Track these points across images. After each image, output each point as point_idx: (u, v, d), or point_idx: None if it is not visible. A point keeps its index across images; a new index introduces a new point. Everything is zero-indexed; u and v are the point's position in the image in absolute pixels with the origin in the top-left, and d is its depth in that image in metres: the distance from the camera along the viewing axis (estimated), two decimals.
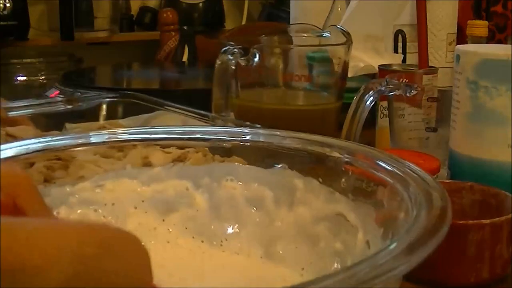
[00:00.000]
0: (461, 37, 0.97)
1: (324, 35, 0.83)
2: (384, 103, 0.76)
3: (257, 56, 0.75)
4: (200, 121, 0.69)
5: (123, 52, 2.20)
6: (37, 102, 0.76)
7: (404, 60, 0.94)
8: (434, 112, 0.66)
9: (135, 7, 2.33)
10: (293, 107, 0.82)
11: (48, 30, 2.13)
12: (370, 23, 0.96)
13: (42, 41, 2.07)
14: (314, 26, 0.86)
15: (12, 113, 0.68)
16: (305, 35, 0.87)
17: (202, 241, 0.45)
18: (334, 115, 0.80)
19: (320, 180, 0.44)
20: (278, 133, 0.47)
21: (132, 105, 0.78)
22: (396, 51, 0.96)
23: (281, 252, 0.44)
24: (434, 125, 0.66)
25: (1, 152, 0.41)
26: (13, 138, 0.57)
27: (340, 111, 0.78)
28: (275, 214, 0.45)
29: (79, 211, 0.44)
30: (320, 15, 1.04)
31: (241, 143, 0.48)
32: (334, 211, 0.42)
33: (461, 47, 0.61)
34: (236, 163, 0.47)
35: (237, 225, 0.46)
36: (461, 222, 0.48)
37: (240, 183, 0.46)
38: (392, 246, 0.29)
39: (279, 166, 0.45)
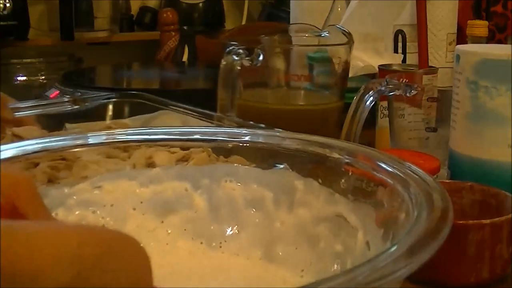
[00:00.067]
0: (461, 37, 0.97)
1: (323, 35, 0.83)
2: (384, 103, 0.76)
3: (261, 56, 0.75)
4: (205, 121, 0.68)
5: (123, 52, 2.20)
6: (44, 102, 0.75)
7: (404, 60, 0.93)
8: (434, 112, 0.66)
9: (135, 7, 2.33)
10: (295, 107, 0.82)
11: (48, 30, 2.13)
12: (370, 23, 0.96)
13: (42, 41, 2.07)
14: (314, 26, 0.86)
15: (17, 114, 0.68)
16: (305, 35, 0.87)
17: (201, 243, 0.45)
18: (336, 115, 0.80)
19: (320, 181, 0.44)
20: (278, 133, 0.47)
21: (136, 105, 0.77)
22: (396, 51, 0.96)
23: (281, 253, 0.44)
24: (434, 125, 0.66)
25: (4, 152, 0.41)
26: (19, 138, 0.57)
27: (342, 111, 0.77)
28: (274, 215, 0.45)
29: (77, 213, 0.44)
30: (320, 15, 1.04)
31: (241, 144, 0.47)
32: (334, 212, 0.42)
33: (461, 47, 0.61)
34: (236, 164, 0.47)
35: (236, 226, 0.45)
36: (461, 222, 0.48)
37: (240, 184, 0.46)
38: (393, 249, 0.28)
39: (279, 166, 0.45)
